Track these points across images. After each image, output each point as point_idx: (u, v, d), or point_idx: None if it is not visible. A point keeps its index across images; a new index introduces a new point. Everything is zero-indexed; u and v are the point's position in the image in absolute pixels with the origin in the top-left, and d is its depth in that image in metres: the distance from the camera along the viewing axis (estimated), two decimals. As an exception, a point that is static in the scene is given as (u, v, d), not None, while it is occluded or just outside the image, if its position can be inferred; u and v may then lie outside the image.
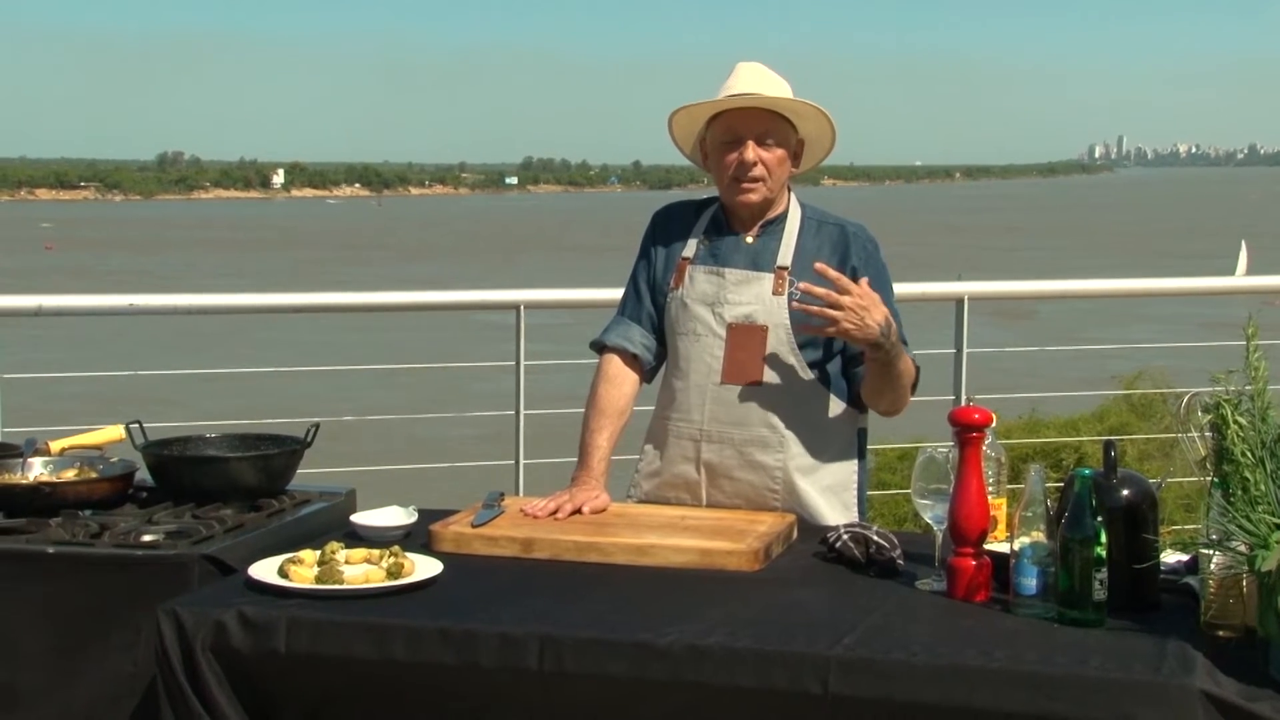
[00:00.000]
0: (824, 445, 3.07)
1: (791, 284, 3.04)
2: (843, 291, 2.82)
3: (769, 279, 3.05)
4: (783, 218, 3.12)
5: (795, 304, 2.94)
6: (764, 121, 3.03)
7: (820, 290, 2.84)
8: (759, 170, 3.03)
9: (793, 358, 3.03)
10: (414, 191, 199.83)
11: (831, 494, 3.07)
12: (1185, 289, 6.13)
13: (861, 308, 2.81)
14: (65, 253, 63.63)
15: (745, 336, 3.03)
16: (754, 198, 3.05)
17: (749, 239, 3.11)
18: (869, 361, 2.94)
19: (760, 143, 3.03)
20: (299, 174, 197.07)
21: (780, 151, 3.06)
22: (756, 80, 3.05)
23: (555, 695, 2.23)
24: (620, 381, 3.15)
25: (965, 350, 5.13)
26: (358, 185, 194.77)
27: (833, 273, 2.85)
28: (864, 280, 2.87)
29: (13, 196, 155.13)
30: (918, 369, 3.06)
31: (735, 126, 3.04)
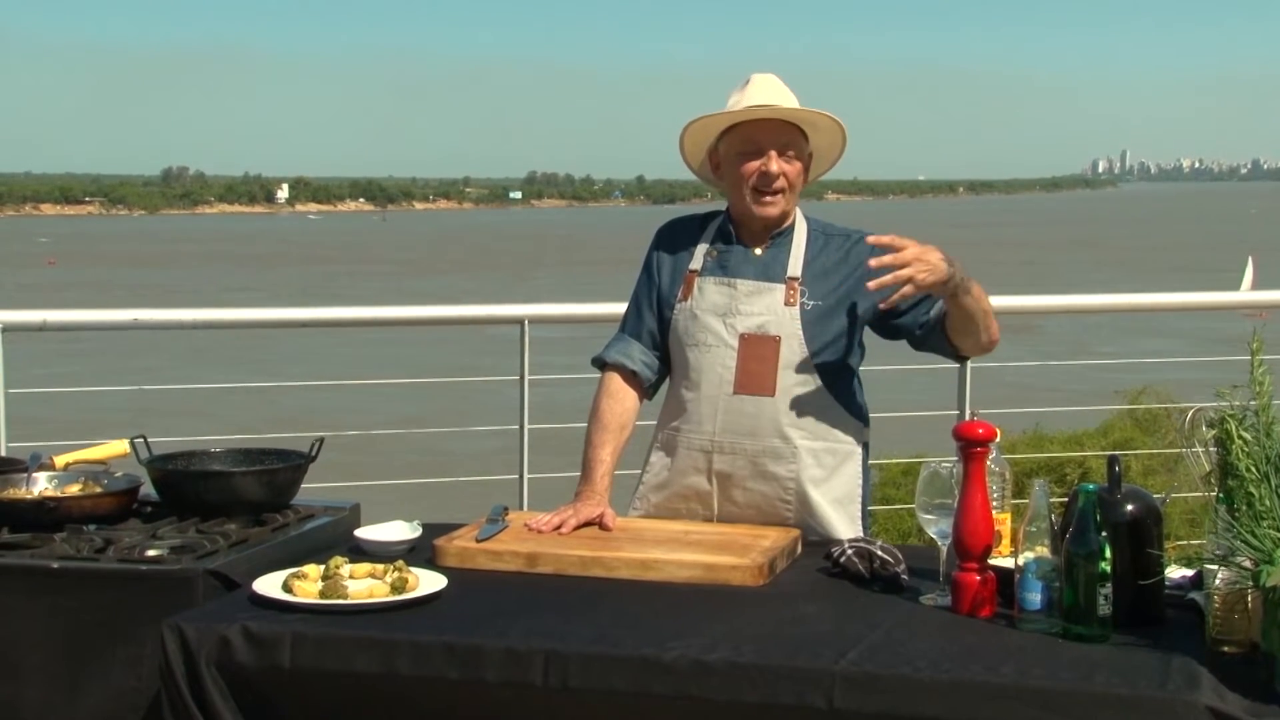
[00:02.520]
0: (835, 456, 3.07)
1: (803, 294, 3.04)
2: (900, 249, 2.78)
3: (780, 290, 3.05)
4: (790, 229, 3.12)
5: (871, 285, 2.84)
6: (785, 133, 3.04)
7: (887, 259, 2.78)
8: (781, 182, 3.04)
9: (805, 368, 3.03)
10: (418, 206, 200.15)
11: (841, 506, 3.08)
12: (1190, 304, 6.13)
13: (921, 254, 2.79)
14: (69, 268, 63.73)
15: (758, 347, 3.03)
16: (774, 210, 3.06)
17: (758, 251, 3.11)
18: (949, 302, 2.91)
19: (782, 154, 3.04)
20: (303, 189, 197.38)
21: (799, 164, 3.07)
22: (774, 92, 3.06)
23: (560, 710, 2.23)
24: (622, 397, 3.16)
25: (969, 365, 5.13)
26: (362, 200, 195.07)
27: (884, 239, 2.80)
28: (895, 238, 2.82)
29: (17, 211, 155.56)
30: None
31: (757, 138, 3.04)
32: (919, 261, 2.78)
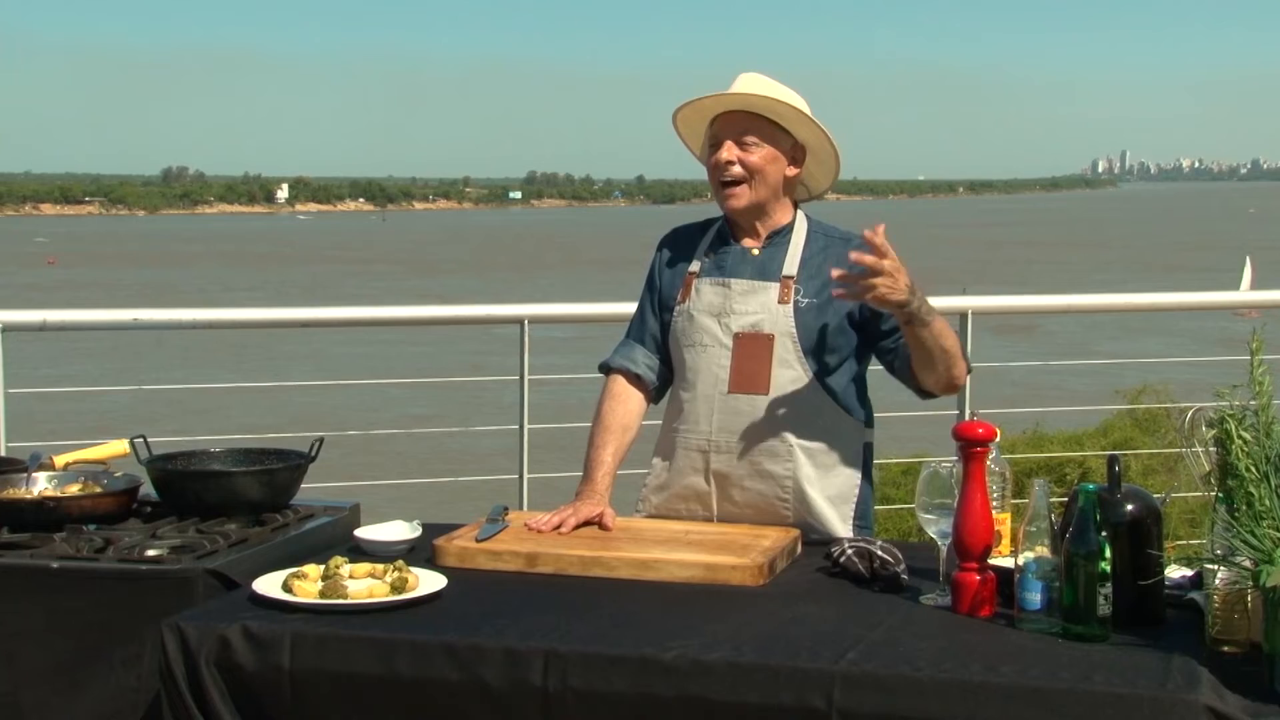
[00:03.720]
0: (832, 455, 3.06)
1: (798, 292, 3.04)
2: (883, 256, 2.74)
3: (775, 288, 3.05)
4: (788, 229, 3.12)
5: (835, 274, 2.80)
6: (741, 122, 3.04)
7: (869, 259, 2.73)
8: (737, 170, 3.03)
9: (800, 366, 3.02)
10: (418, 206, 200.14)
11: (840, 504, 3.07)
12: (1188, 304, 6.13)
13: (895, 270, 2.75)
14: (70, 268, 63.73)
15: (752, 345, 3.03)
16: (739, 202, 3.05)
17: (755, 250, 3.11)
18: (905, 329, 2.87)
19: (740, 143, 3.03)
20: (303, 189, 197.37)
21: (765, 150, 3.04)
22: (749, 88, 3.05)
23: (560, 710, 2.23)
24: (625, 399, 3.16)
25: (969, 365, 5.12)
26: (362, 200, 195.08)
27: (878, 239, 2.74)
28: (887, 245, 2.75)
29: (17, 211, 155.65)
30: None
31: (716, 131, 3.06)
32: (889, 276, 2.74)
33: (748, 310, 3.06)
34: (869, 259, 2.74)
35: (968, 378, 3.06)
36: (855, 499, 3.11)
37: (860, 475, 3.13)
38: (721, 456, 3.05)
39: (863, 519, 3.13)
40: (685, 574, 2.62)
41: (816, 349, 3.03)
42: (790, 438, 3.03)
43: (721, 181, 3.05)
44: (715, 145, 3.05)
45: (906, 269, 2.78)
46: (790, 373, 3.02)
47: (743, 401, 3.03)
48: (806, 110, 3.06)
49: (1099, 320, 29.60)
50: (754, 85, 3.07)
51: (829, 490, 3.06)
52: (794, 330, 3.02)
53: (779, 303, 3.04)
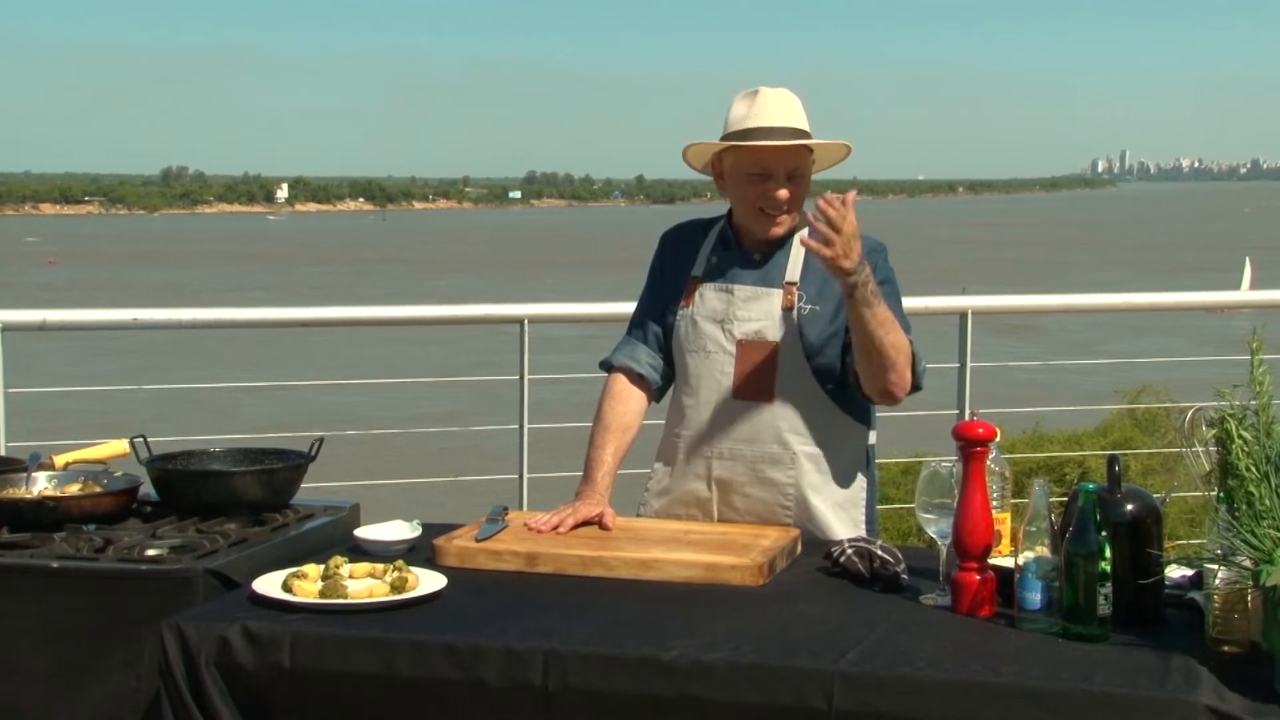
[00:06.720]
0: (835, 461, 3.06)
1: (800, 299, 3.03)
2: (842, 220, 2.73)
3: (778, 295, 3.05)
4: (790, 233, 3.11)
5: (811, 217, 2.77)
6: (795, 157, 3.02)
7: (833, 212, 2.72)
8: (789, 204, 3.03)
9: (804, 373, 3.02)
10: (417, 205, 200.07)
11: (842, 510, 3.07)
12: (1187, 303, 6.13)
13: (852, 238, 2.74)
14: (71, 268, 63.71)
15: (756, 353, 3.02)
16: (781, 230, 3.06)
17: (757, 255, 3.10)
18: (848, 305, 2.84)
19: (790, 177, 3.02)
20: (303, 188, 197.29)
21: (805, 182, 3.06)
22: (785, 111, 3.02)
23: (559, 710, 2.23)
24: (625, 398, 3.16)
25: (969, 364, 5.13)
26: (361, 200, 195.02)
27: (832, 211, 2.72)
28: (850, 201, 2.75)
29: (17, 211, 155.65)
30: (917, 356, 2.97)
31: (765, 162, 3.01)
32: (844, 240, 2.73)
33: (751, 317, 3.05)
34: (831, 213, 2.72)
35: (913, 392, 3.01)
36: (861, 502, 3.11)
37: (865, 478, 3.14)
38: (724, 463, 3.05)
39: (869, 522, 3.13)
40: (685, 574, 2.62)
41: (820, 355, 3.02)
42: (794, 445, 3.02)
43: (765, 210, 3.03)
44: (762, 175, 3.01)
45: (860, 245, 2.76)
46: (794, 380, 3.02)
47: (746, 408, 3.03)
48: (850, 147, 3.10)
49: (1099, 320, 29.60)
50: (788, 110, 3.02)
51: (835, 496, 3.06)
52: (798, 338, 3.01)
53: (782, 309, 3.03)
